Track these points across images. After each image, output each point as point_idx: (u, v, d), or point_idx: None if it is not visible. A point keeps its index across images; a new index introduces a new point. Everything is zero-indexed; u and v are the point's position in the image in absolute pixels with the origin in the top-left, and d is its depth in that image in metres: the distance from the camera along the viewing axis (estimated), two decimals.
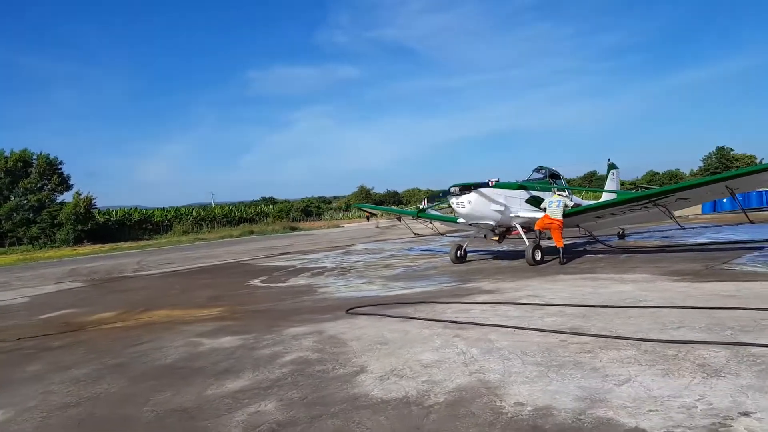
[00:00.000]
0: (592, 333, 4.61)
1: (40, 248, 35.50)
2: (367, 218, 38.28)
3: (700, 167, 64.63)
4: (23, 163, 40.41)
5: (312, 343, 5.09)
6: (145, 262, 18.89)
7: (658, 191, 10.30)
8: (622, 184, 16.67)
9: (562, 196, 10.50)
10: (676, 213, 10.72)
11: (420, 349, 4.56)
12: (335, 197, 77.66)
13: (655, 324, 4.80)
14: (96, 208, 41.79)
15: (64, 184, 42.02)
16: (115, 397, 4.03)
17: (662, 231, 15.12)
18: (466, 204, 10.33)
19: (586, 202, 12.38)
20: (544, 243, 10.60)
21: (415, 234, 15.90)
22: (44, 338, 6.54)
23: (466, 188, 10.23)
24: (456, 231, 15.40)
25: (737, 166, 57.24)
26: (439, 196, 10.61)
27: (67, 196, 41.29)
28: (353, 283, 9.52)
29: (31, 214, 38.81)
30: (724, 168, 58.20)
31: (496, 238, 11.39)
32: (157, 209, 49.57)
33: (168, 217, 46.62)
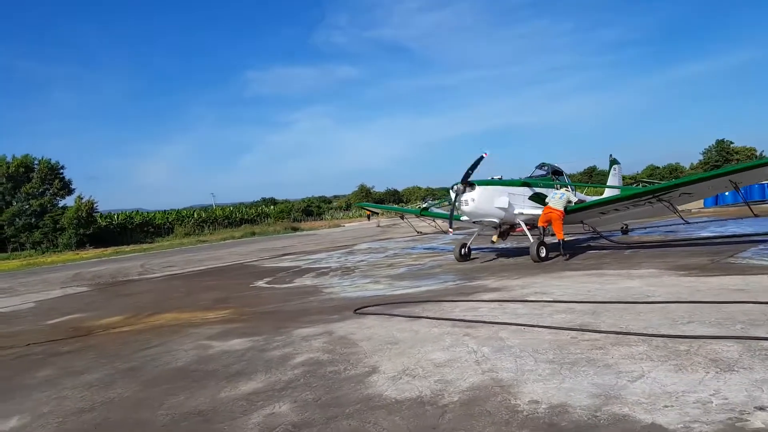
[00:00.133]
0: (603, 329, 4.61)
1: (43, 253, 35.58)
2: (368, 217, 38.30)
3: (700, 160, 64.53)
4: (25, 168, 40.48)
5: (322, 343, 5.10)
6: (148, 265, 18.91)
7: (662, 186, 10.32)
8: (623, 178, 16.62)
9: (567, 191, 10.60)
10: (680, 207, 10.71)
11: (431, 348, 4.56)
12: (335, 197, 77.67)
13: (664, 319, 4.80)
14: (98, 211, 41.86)
15: (66, 188, 42.09)
16: (129, 401, 4.04)
17: (666, 226, 15.10)
18: (470, 201, 10.33)
19: (590, 198, 12.38)
20: (548, 239, 10.60)
21: (418, 232, 15.91)
22: (53, 343, 6.56)
23: (469, 184, 10.22)
24: (457, 228, 15.41)
25: (737, 159, 57.18)
26: (447, 193, 10.56)
27: (69, 201, 41.41)
28: (359, 283, 9.53)
29: (33, 219, 38.87)
30: (724, 161, 58.10)
31: (498, 236, 11.40)
32: (159, 212, 49.64)
33: (169, 220, 46.67)
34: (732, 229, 13.12)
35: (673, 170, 64.19)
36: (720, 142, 63.55)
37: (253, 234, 37.37)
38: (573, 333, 4.61)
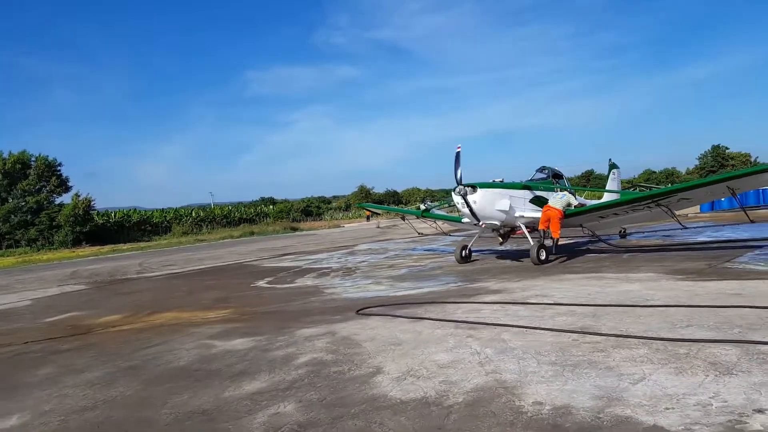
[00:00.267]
0: (604, 332, 4.66)
1: (38, 250, 35.37)
2: (367, 218, 38.31)
3: (696, 166, 64.96)
4: (22, 164, 40.28)
5: (325, 344, 5.13)
6: (146, 264, 18.85)
7: (661, 191, 10.41)
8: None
9: (568, 194, 10.76)
10: (677, 212, 10.81)
11: (434, 349, 4.60)
12: (335, 197, 77.64)
13: (664, 323, 4.86)
14: (95, 209, 41.68)
15: (63, 185, 41.92)
16: (131, 399, 4.05)
17: (663, 230, 15.22)
18: (472, 204, 10.40)
19: (589, 202, 12.48)
20: (548, 242, 10.68)
21: (419, 233, 15.96)
22: (52, 341, 6.55)
23: (471, 187, 10.29)
24: (458, 230, 15.49)
25: (733, 165, 57.61)
26: (449, 193, 10.66)
27: (66, 198, 41.23)
28: (360, 284, 9.55)
29: (29, 216, 38.66)
30: (719, 166, 58.55)
31: (500, 238, 11.48)
32: (156, 210, 49.43)
33: (167, 218, 46.50)
34: (728, 234, 13.24)
35: (670, 175, 64.58)
36: (716, 148, 64.03)
37: (252, 234, 37.30)
38: (574, 335, 4.66)
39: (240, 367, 4.59)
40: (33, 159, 41.03)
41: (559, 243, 10.88)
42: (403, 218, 16.21)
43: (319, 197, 73.13)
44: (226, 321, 6.94)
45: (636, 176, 63.61)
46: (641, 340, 4.35)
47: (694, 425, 2.79)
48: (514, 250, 12.82)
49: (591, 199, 15.15)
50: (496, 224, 10.94)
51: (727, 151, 63.34)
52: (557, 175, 12.04)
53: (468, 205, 10.20)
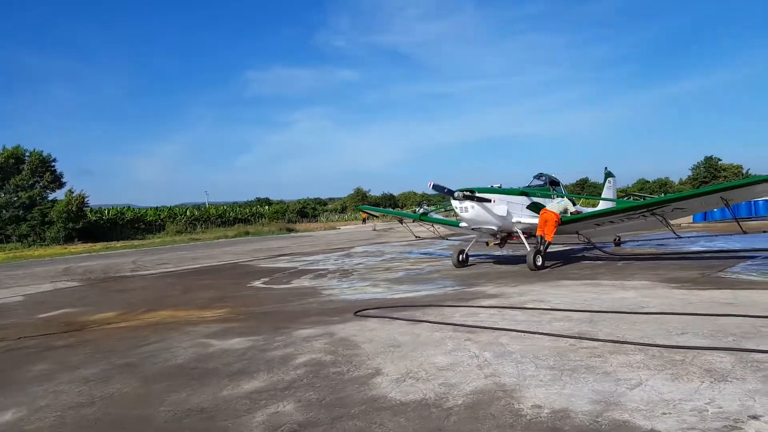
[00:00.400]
0: (600, 338, 4.71)
1: (29, 246, 34.94)
2: (363, 220, 38.29)
3: (689, 176, 65.75)
4: (15, 159, 39.77)
5: (324, 345, 5.13)
6: (141, 262, 18.71)
7: (656, 200, 10.54)
8: None
9: (566, 200, 10.91)
10: (671, 222, 10.94)
11: (433, 352, 4.62)
12: (331, 199, 77.53)
13: (659, 330, 4.92)
14: (88, 206, 41.28)
15: (57, 181, 41.42)
16: (128, 397, 4.02)
17: (657, 239, 15.38)
18: (470, 209, 10.47)
19: (586, 210, 12.60)
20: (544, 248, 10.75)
21: (416, 237, 16.00)
22: (46, 337, 6.48)
23: (469, 196, 10.36)
24: (455, 234, 15.53)
25: (725, 176, 58.35)
26: (444, 192, 10.76)
27: (59, 194, 40.77)
28: (357, 286, 9.56)
29: (21, 212, 38.19)
30: (712, 177, 59.28)
31: (498, 242, 11.54)
32: (150, 208, 49.06)
33: (161, 217, 46.14)
34: (720, 244, 13.41)
35: (663, 185, 65.28)
36: (708, 159, 64.85)
37: (247, 234, 37.11)
38: (572, 340, 4.70)
39: (238, 366, 4.58)
40: (27, 154, 40.59)
41: (555, 250, 10.98)
42: (401, 221, 16.25)
43: (315, 199, 72.98)
44: (222, 320, 6.91)
45: (630, 185, 64.29)
46: (637, 346, 4.41)
47: (691, 430, 2.83)
48: (510, 255, 12.89)
49: (586, 206, 15.30)
50: (493, 229, 11.01)
51: (719, 162, 64.19)
52: (554, 182, 12.15)
53: (471, 197, 10.28)
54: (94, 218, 41.50)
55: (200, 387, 4.10)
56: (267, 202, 65.46)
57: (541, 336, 4.91)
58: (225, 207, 54.88)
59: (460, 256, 11.38)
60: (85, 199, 39.94)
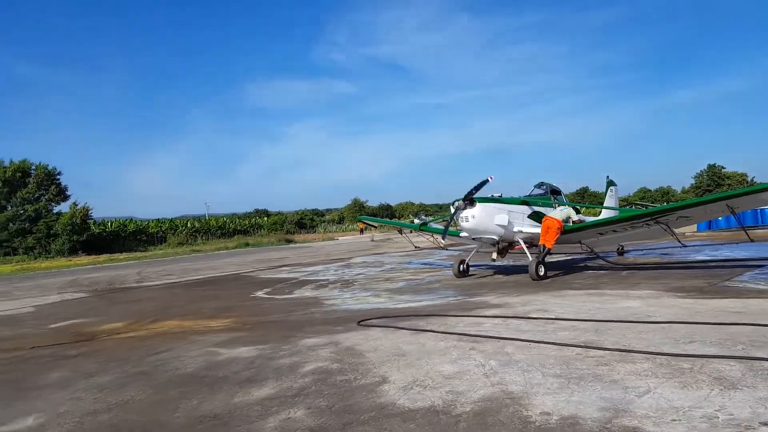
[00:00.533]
0: (607, 347, 4.71)
1: (35, 258, 35.15)
2: (361, 231, 38.30)
3: (692, 184, 65.57)
4: (22, 173, 40.33)
5: (330, 353, 5.16)
6: (145, 273, 18.79)
7: (660, 209, 10.54)
8: None
9: (568, 209, 10.97)
10: (675, 230, 10.94)
11: (438, 360, 4.64)
12: (328, 210, 77.72)
13: (666, 339, 4.92)
14: (92, 218, 41.60)
15: (62, 194, 41.93)
16: (143, 403, 4.07)
17: (661, 248, 15.35)
18: (470, 218, 10.48)
19: (589, 219, 12.61)
20: (546, 258, 10.75)
21: (416, 247, 16.03)
22: (59, 347, 6.54)
23: (470, 201, 10.41)
24: (454, 244, 15.54)
25: (729, 184, 58.10)
26: (450, 208, 10.77)
27: (64, 207, 41.17)
28: (359, 296, 9.58)
29: (27, 224, 38.54)
30: (716, 185, 59.10)
31: (497, 253, 11.54)
32: (152, 220, 49.32)
33: (162, 229, 46.40)
34: (726, 253, 13.35)
35: (665, 193, 65.12)
36: (711, 167, 64.71)
37: (247, 245, 37.23)
38: (578, 349, 4.71)
39: (247, 374, 4.62)
40: (33, 168, 41.13)
41: (557, 259, 10.97)
42: (400, 231, 16.30)
43: (313, 210, 73.14)
44: (228, 330, 6.95)
45: (631, 194, 64.20)
46: (645, 355, 4.41)
47: None
48: (511, 265, 12.89)
49: (587, 215, 15.31)
50: (494, 239, 11.02)
51: (723, 170, 64.02)
52: (555, 191, 12.19)
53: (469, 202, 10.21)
54: (97, 230, 41.81)
55: (212, 394, 4.14)
56: (265, 213, 65.65)
57: (546, 345, 4.92)
58: (225, 219, 55.12)
59: (461, 266, 11.38)
60: (89, 212, 40.30)
